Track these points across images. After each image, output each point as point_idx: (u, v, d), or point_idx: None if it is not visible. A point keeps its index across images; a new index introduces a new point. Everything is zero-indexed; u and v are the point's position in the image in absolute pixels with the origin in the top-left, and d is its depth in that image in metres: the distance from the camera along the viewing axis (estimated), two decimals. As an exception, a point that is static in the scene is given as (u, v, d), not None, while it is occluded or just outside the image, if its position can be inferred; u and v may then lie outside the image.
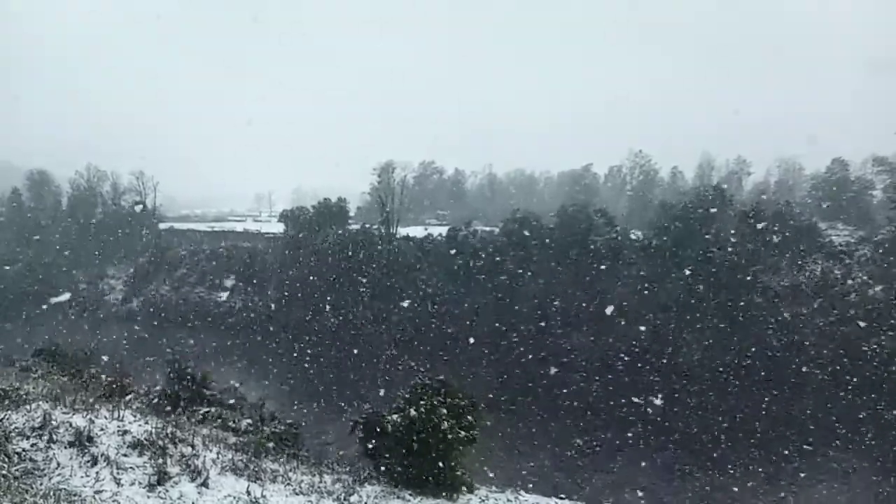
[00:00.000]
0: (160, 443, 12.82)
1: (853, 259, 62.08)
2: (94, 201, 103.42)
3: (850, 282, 59.40)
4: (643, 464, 46.66)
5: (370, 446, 16.99)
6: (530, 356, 60.69)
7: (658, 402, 53.65)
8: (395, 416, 16.48)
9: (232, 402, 21.93)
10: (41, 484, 10.11)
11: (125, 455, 11.94)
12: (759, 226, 63.68)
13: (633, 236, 70.81)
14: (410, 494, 14.82)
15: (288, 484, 13.36)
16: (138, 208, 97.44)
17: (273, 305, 75.33)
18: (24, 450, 10.92)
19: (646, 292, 62.18)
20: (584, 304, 63.58)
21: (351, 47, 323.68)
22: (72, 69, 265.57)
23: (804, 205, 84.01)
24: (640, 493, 40.20)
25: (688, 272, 61.95)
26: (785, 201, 75.65)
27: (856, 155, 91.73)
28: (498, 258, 70.19)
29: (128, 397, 18.23)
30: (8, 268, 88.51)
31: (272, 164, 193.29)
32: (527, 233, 70.94)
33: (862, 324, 54.82)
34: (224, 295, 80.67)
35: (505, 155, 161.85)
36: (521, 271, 68.15)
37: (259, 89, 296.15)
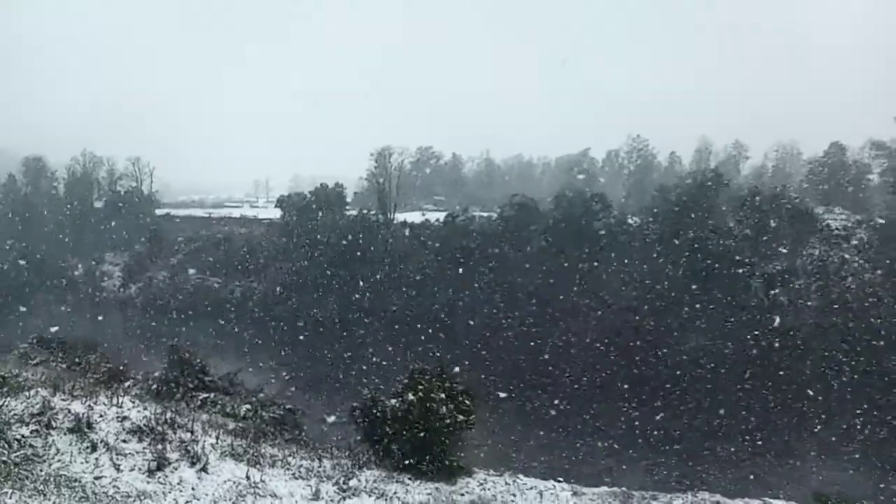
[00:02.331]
0: (159, 429, 12.87)
1: (850, 243, 62.12)
2: (90, 187, 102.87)
3: (847, 266, 59.49)
4: (641, 447, 46.99)
5: (369, 431, 17.07)
6: (528, 341, 60.84)
7: (655, 387, 53.89)
8: (393, 401, 16.54)
9: (230, 387, 21.99)
10: (41, 470, 10.15)
11: (124, 441, 11.99)
12: (756, 210, 63.72)
13: (630, 221, 70.76)
14: (409, 478, 14.91)
15: (287, 468, 13.43)
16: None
17: (270, 291, 75.31)
18: (23, 436, 10.95)
19: (643, 277, 62.23)
20: (581, 290, 63.62)
21: (353, 43, 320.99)
22: (72, 69, 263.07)
23: (801, 189, 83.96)
24: (636, 475, 40.47)
25: (685, 257, 62.01)
26: (782, 185, 75.57)
27: (853, 139, 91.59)
28: (495, 244, 70.16)
29: (127, 383, 18.29)
30: (5, 255, 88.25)
31: (271, 160, 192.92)
32: (524, 218, 70.87)
33: (858, 307, 54.99)
34: (221, 281, 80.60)
35: (506, 149, 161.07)
36: (518, 257, 68.15)
37: (258, 88, 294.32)
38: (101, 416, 12.70)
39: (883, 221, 63.31)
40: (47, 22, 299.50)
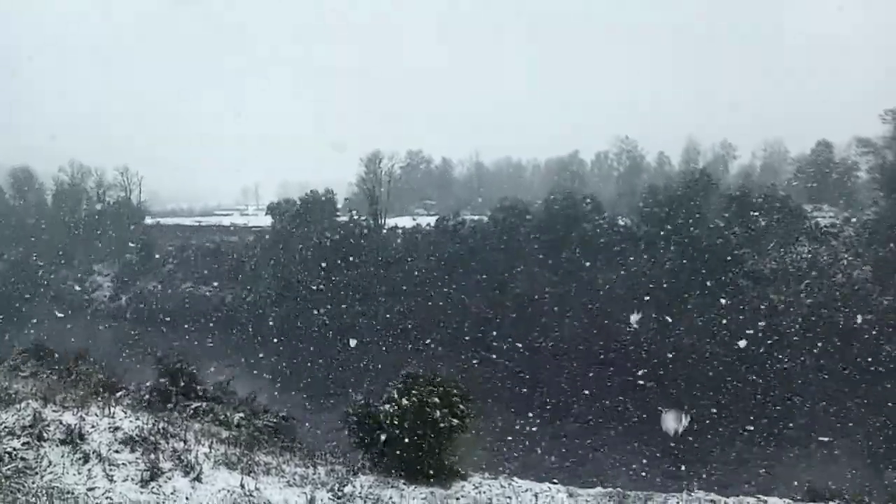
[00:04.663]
0: (152, 438, 12.79)
1: (839, 240, 62.54)
2: (78, 198, 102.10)
3: (836, 262, 59.92)
4: (636, 447, 47.07)
5: (363, 437, 17.04)
6: (520, 343, 60.91)
7: (647, 388, 54.06)
8: (386, 407, 16.51)
9: (223, 396, 21.89)
10: (33, 482, 10.08)
11: (117, 451, 11.90)
12: (745, 209, 64.11)
13: (620, 222, 71.01)
14: (404, 483, 14.89)
15: (282, 476, 13.38)
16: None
17: (262, 299, 75.09)
18: (14, 449, 10.87)
19: (633, 279, 62.47)
20: (572, 292, 63.80)
21: (346, 51, 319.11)
22: (56, 78, 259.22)
23: (790, 187, 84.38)
24: (632, 478, 40.56)
25: (674, 257, 62.29)
26: (771, 184, 75.95)
27: (840, 137, 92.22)
28: (487, 247, 70.28)
29: (118, 394, 18.17)
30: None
31: (259, 166, 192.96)
32: (515, 221, 71.02)
33: (848, 303, 55.39)
34: (212, 290, 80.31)
35: (494, 151, 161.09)
36: (509, 260, 68.28)
37: (247, 94, 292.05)
38: (92, 426, 12.61)
39: (871, 217, 63.81)
40: (43, 46, 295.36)
